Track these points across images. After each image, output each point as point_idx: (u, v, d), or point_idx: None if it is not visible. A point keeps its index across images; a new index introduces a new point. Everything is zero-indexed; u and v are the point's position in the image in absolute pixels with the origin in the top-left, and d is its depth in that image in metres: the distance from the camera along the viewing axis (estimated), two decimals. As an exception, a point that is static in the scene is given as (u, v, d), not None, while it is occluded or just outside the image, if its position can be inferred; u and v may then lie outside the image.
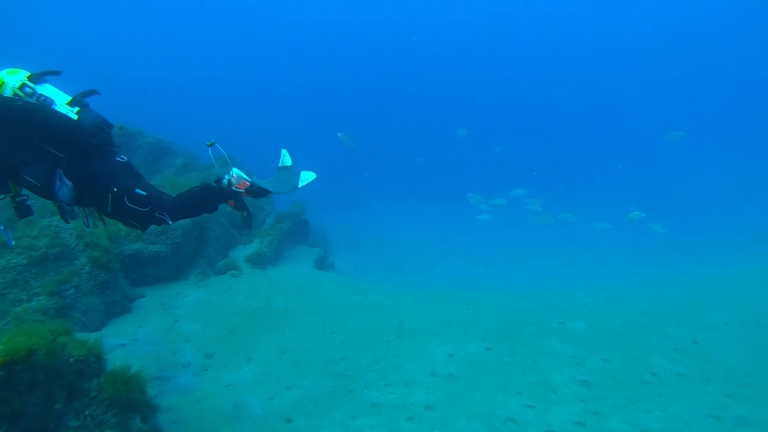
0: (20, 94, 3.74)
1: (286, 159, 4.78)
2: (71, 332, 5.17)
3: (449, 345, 7.62)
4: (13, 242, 5.24)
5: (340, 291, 10.08)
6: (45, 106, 3.77)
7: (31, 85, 3.81)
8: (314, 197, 31.14)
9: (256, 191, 4.50)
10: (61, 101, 3.92)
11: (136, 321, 7.96)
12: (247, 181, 4.43)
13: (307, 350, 7.46)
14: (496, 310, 8.99)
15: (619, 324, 8.20)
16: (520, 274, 17.06)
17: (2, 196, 3.96)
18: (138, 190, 4.25)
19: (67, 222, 4.32)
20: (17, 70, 3.87)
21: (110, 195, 4.09)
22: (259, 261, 10.87)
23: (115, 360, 6.53)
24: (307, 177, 4.65)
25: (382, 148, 40.70)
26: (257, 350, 7.37)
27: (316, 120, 44.35)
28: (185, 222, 9.65)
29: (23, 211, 4.01)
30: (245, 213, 4.85)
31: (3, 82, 3.74)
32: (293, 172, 4.73)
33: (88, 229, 7.97)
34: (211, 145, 4.51)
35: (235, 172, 4.45)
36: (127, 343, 7.20)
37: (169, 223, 4.47)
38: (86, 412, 4.44)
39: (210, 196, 4.59)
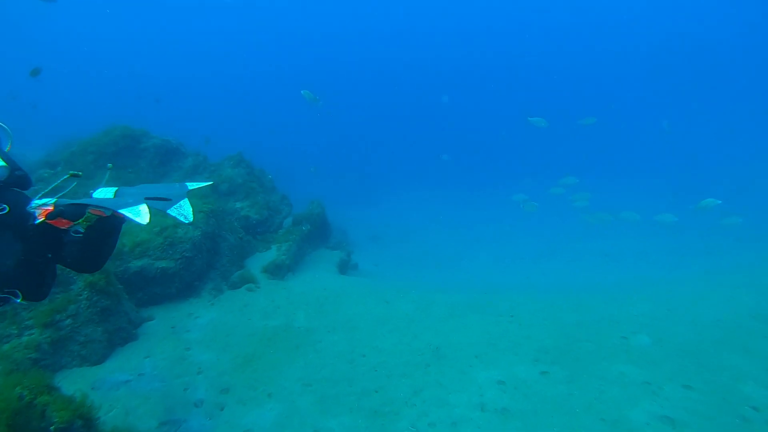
0: None
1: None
2: (53, 386, 4.30)
3: (497, 369, 6.63)
4: None
5: (365, 302, 9.16)
6: None
7: None
8: (332, 191, 30.54)
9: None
10: None
11: (143, 350, 7.12)
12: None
13: (335, 380, 6.54)
14: (544, 323, 7.97)
15: (691, 338, 7.12)
16: (553, 270, 15.93)
17: None
18: None
19: None
20: None
21: None
22: (276, 271, 9.99)
23: (116, 405, 5.72)
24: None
25: (403, 141, 39.70)
26: (278, 382, 6.47)
27: (336, 116, 43.35)
28: (194, 233, 8.79)
29: None
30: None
31: None
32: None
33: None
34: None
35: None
36: (132, 379, 6.36)
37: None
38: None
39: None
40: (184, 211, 3.14)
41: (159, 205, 3.15)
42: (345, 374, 6.68)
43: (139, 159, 11.98)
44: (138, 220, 2.89)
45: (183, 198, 3.24)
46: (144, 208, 3.01)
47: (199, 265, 8.83)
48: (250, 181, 12.34)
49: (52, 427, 3.76)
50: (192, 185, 3.49)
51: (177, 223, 8.69)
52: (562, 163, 32.60)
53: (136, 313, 7.80)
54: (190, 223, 8.43)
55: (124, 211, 2.95)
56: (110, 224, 3.16)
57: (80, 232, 3.01)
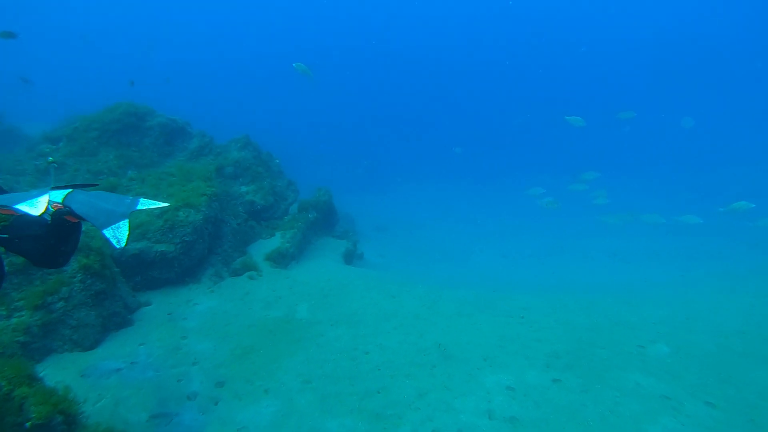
0: None
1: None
2: (35, 376, 4.01)
3: (506, 374, 6.30)
4: None
5: (370, 296, 8.84)
6: None
7: None
8: (340, 178, 30.19)
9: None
10: None
11: (138, 336, 6.85)
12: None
13: (336, 378, 6.24)
14: (556, 326, 7.62)
15: (712, 349, 6.76)
16: (562, 268, 15.56)
17: None
18: None
19: None
20: None
21: None
22: (280, 259, 9.68)
23: (105, 395, 5.45)
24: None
25: (414, 132, 39.22)
26: (277, 377, 6.18)
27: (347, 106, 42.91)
28: (196, 216, 8.48)
29: None
30: None
31: None
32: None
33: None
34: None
35: None
36: (124, 367, 6.09)
37: None
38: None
39: None
40: (119, 233, 2.86)
41: (99, 220, 2.87)
42: (347, 372, 6.38)
43: (143, 137, 11.65)
44: (31, 210, 2.74)
45: (125, 218, 2.93)
46: (43, 199, 2.84)
47: (199, 249, 8.53)
48: (257, 164, 11.99)
49: (28, 423, 3.47)
50: (145, 203, 3.17)
51: (177, 206, 8.39)
52: (574, 158, 32.12)
53: (133, 297, 7.53)
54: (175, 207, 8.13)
55: (22, 206, 2.76)
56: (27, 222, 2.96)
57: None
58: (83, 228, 6.36)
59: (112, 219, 2.93)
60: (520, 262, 17.05)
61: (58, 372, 5.75)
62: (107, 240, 2.85)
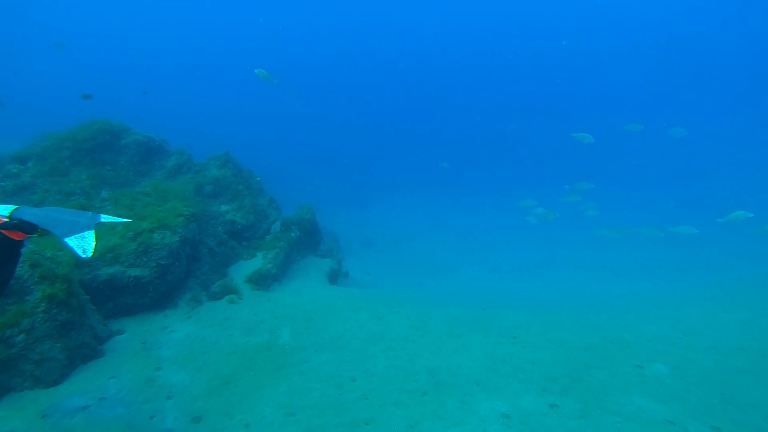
0: None
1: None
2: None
3: (500, 400, 5.98)
4: None
5: (356, 317, 8.49)
6: None
7: None
8: (323, 192, 29.85)
9: None
10: None
11: (108, 369, 6.39)
12: None
13: (321, 408, 5.85)
14: (550, 346, 7.34)
15: (711, 368, 6.51)
16: (552, 282, 15.35)
17: None
18: None
19: None
20: None
21: None
22: (262, 281, 9.29)
23: (68, 438, 4.99)
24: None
25: (398, 144, 39.12)
26: (258, 410, 5.77)
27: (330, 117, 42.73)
28: (172, 238, 8.07)
29: None
30: None
31: None
32: None
33: (46, 256, 6.43)
34: None
35: None
36: (92, 404, 5.63)
37: None
38: None
39: None
40: (85, 243, 2.65)
41: (59, 229, 2.63)
42: (332, 401, 6.00)
43: (118, 156, 11.22)
44: None
45: (89, 229, 2.72)
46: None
47: (176, 273, 8.11)
48: (237, 182, 11.62)
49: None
50: (106, 218, 2.94)
51: (152, 228, 7.98)
52: (565, 169, 32.23)
53: (104, 326, 7.07)
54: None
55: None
56: None
57: None
58: (48, 255, 5.91)
59: (75, 229, 2.72)
60: (510, 276, 16.82)
61: (14, 414, 5.29)
62: (72, 249, 2.66)
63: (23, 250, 2.92)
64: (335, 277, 11.54)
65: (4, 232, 2.65)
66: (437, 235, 24.12)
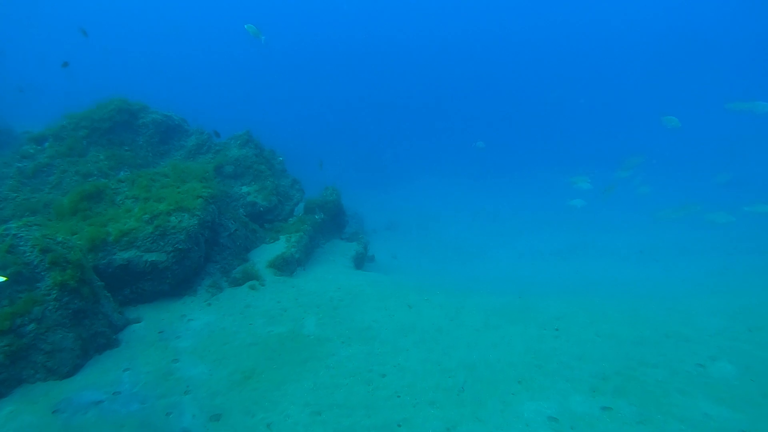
0: None
1: None
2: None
3: (546, 400, 5.40)
4: None
5: (385, 306, 7.98)
6: None
7: None
8: (347, 174, 29.34)
9: None
10: None
11: (123, 360, 6.03)
12: None
13: (350, 407, 5.37)
14: (598, 340, 6.71)
15: (786, 368, 5.81)
16: (587, 267, 14.61)
17: None
18: None
19: None
20: None
21: None
22: (285, 266, 8.83)
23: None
24: None
25: (422, 124, 38.27)
26: (281, 408, 5.32)
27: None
28: (190, 221, 7.64)
29: None
30: None
31: None
32: None
33: (57, 240, 6.04)
34: None
35: None
36: (105, 399, 5.26)
37: None
38: None
39: None
40: None
41: None
42: (362, 400, 5.51)
43: (136, 136, 10.83)
44: None
45: None
46: None
47: (195, 258, 7.69)
48: (259, 163, 11.14)
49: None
50: None
51: (170, 210, 7.55)
52: (583, 153, 31.12)
53: (120, 314, 6.71)
54: (184, 210, 7.32)
55: None
56: None
57: None
58: (59, 239, 5.45)
59: None
60: (541, 260, 16.12)
61: (25, 408, 4.94)
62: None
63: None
64: (361, 261, 11.05)
65: None
66: (463, 217, 23.47)
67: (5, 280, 2.19)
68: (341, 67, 52.57)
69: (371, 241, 16.96)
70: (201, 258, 7.93)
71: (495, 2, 54.34)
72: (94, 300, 6.12)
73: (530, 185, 29.07)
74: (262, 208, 10.43)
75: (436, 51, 53.51)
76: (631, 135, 33.44)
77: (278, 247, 9.48)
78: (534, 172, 31.13)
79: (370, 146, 34.72)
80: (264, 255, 9.22)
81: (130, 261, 7.07)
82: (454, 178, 30.54)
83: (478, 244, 18.53)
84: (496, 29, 54.64)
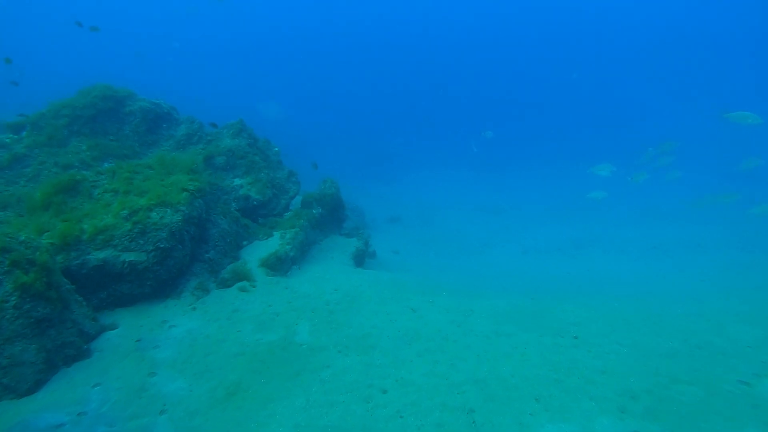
0: None
1: None
2: None
3: (568, 423, 4.76)
4: None
5: (386, 310, 7.33)
6: None
7: None
8: (347, 165, 28.64)
9: None
10: None
11: (94, 374, 5.39)
12: None
13: (346, 430, 4.74)
14: (622, 351, 6.05)
15: (840, 388, 5.15)
16: (598, 264, 13.94)
17: None
18: None
19: None
20: None
21: None
22: (278, 265, 8.19)
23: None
24: None
25: (424, 115, 37.50)
26: (268, 431, 4.69)
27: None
28: (173, 217, 6.98)
29: None
30: None
31: None
32: None
33: (19, 240, 5.40)
34: None
35: None
36: (67, 422, 4.63)
37: None
38: None
39: None
40: None
41: None
42: (360, 420, 4.88)
43: (122, 125, 10.15)
44: None
45: None
46: None
47: (179, 257, 7.04)
48: (253, 153, 10.46)
49: None
50: None
51: (151, 205, 6.89)
52: (591, 147, 30.38)
53: (93, 320, 6.07)
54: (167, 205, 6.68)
55: None
56: None
57: None
58: (22, 238, 4.72)
59: None
60: (548, 257, 15.45)
61: (-28, 435, 4.32)
62: None
63: None
64: (361, 258, 10.39)
65: None
66: (466, 211, 22.79)
67: None
68: (344, 55, 51.65)
69: (372, 234, 16.30)
70: (186, 257, 7.27)
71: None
72: (62, 306, 5.48)
73: (542, 176, 28.37)
74: (255, 202, 9.77)
75: (441, 39, 52.52)
76: (644, 124, 32.63)
77: (272, 243, 8.82)
78: (546, 163, 30.43)
79: (373, 137, 33.96)
80: (256, 253, 8.57)
81: (106, 261, 6.42)
82: (457, 171, 29.82)
83: (482, 238, 17.87)
84: (502, 17, 53.58)
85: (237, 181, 9.88)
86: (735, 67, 40.59)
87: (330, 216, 11.08)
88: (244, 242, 8.84)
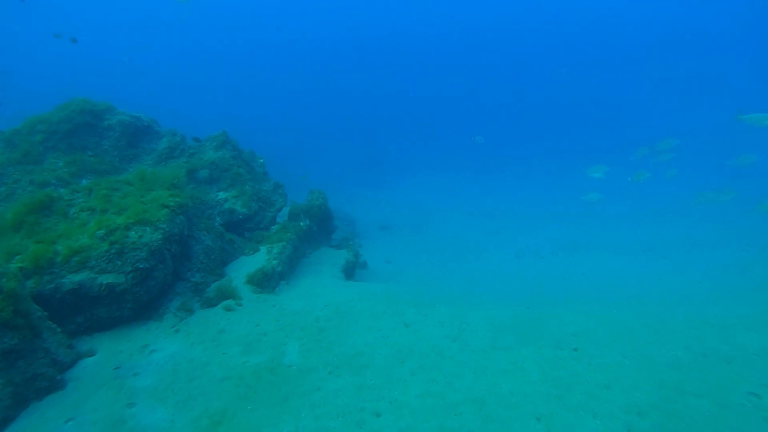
0: None
1: None
2: None
3: (573, 444, 4.50)
4: None
5: (378, 325, 7.05)
6: None
7: None
8: (337, 171, 28.35)
9: None
10: None
11: (67, 407, 5.06)
12: None
13: (337, 460, 4.44)
14: (625, 363, 5.81)
15: None
16: (593, 267, 13.74)
17: None
18: None
19: None
20: None
21: None
22: (265, 281, 7.89)
23: None
24: None
25: (415, 120, 37.31)
26: (254, 465, 4.39)
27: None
28: (153, 236, 6.66)
29: None
30: None
31: None
32: None
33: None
34: None
35: None
36: (37, 462, 4.30)
37: None
38: None
39: None
40: None
41: None
42: (352, 449, 4.59)
43: (101, 139, 9.82)
44: None
45: None
46: None
47: (160, 278, 6.72)
48: (237, 165, 10.17)
49: None
50: None
51: (128, 224, 6.58)
52: (586, 147, 30.35)
53: (69, 348, 5.74)
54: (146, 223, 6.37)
55: None
56: None
57: None
58: None
59: None
60: (542, 261, 15.23)
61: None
62: None
63: None
64: (352, 270, 10.11)
65: None
66: (459, 216, 22.54)
67: None
68: (336, 60, 51.43)
69: (364, 243, 16.01)
70: (168, 276, 6.96)
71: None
72: (32, 335, 5.15)
73: (534, 179, 28.25)
74: (241, 216, 9.47)
75: (433, 41, 52.46)
76: (640, 123, 32.65)
77: (259, 258, 8.52)
78: (539, 164, 30.31)
79: (366, 141, 33.69)
80: (243, 269, 8.26)
81: (82, 284, 6.09)
82: (450, 174, 29.62)
83: (476, 244, 17.63)
84: (492, 19, 53.66)
85: (221, 195, 9.58)
86: (734, 66, 40.74)
87: (318, 228, 10.80)
88: (230, 258, 8.53)
